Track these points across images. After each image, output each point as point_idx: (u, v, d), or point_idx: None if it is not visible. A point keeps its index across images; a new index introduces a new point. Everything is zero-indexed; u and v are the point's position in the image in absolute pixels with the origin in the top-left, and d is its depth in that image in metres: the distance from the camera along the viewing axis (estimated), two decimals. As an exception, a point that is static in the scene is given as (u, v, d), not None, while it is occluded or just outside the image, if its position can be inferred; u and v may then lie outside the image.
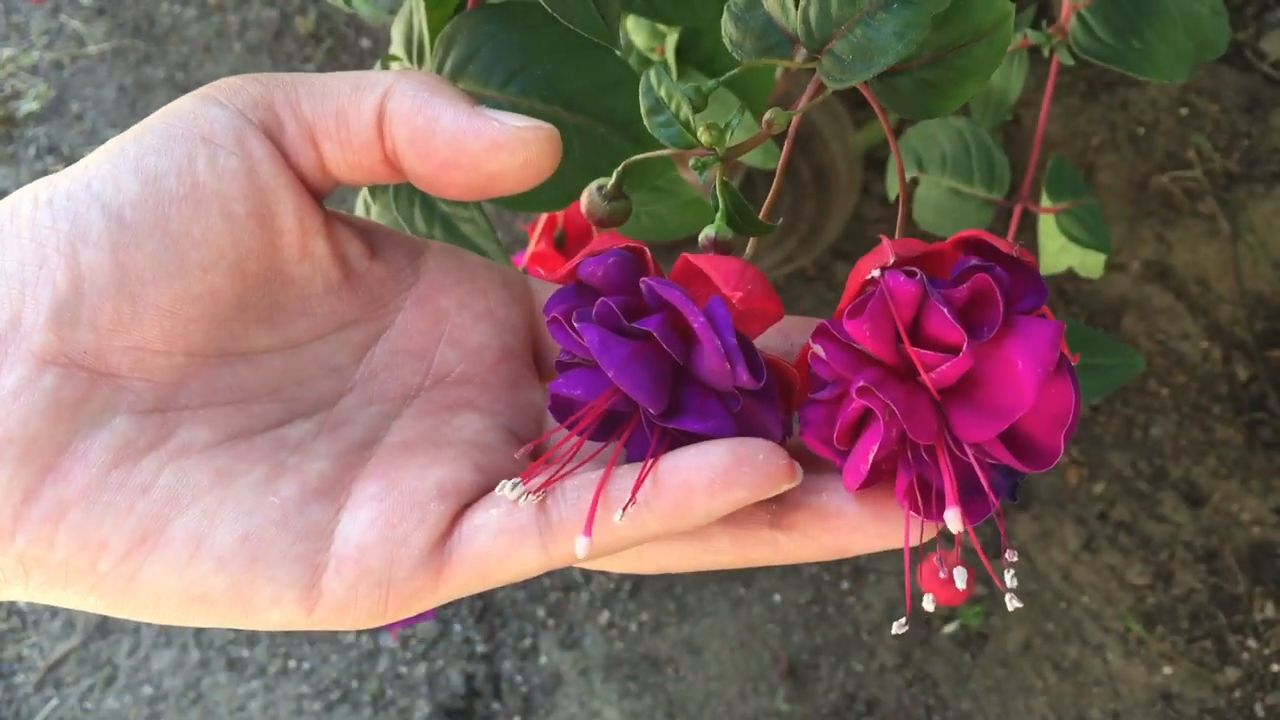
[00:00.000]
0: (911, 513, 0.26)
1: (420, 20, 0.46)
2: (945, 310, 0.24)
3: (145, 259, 0.25)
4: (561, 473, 0.26)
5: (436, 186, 0.28)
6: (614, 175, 0.27)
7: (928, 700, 1.27)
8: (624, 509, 0.24)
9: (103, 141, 1.56)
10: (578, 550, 0.25)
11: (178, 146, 0.25)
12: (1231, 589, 1.30)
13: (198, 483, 0.25)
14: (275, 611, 0.25)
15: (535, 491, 0.25)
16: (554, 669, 1.30)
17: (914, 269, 0.25)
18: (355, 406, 0.29)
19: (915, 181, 0.70)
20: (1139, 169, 1.45)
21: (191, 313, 0.26)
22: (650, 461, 0.25)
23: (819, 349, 0.26)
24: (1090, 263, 0.85)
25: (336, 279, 0.28)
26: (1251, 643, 1.28)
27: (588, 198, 0.28)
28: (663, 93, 0.26)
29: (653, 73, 0.27)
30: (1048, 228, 0.85)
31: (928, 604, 0.28)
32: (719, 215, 0.27)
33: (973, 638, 1.30)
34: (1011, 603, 0.26)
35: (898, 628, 0.26)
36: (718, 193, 0.27)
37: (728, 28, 0.29)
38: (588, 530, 0.25)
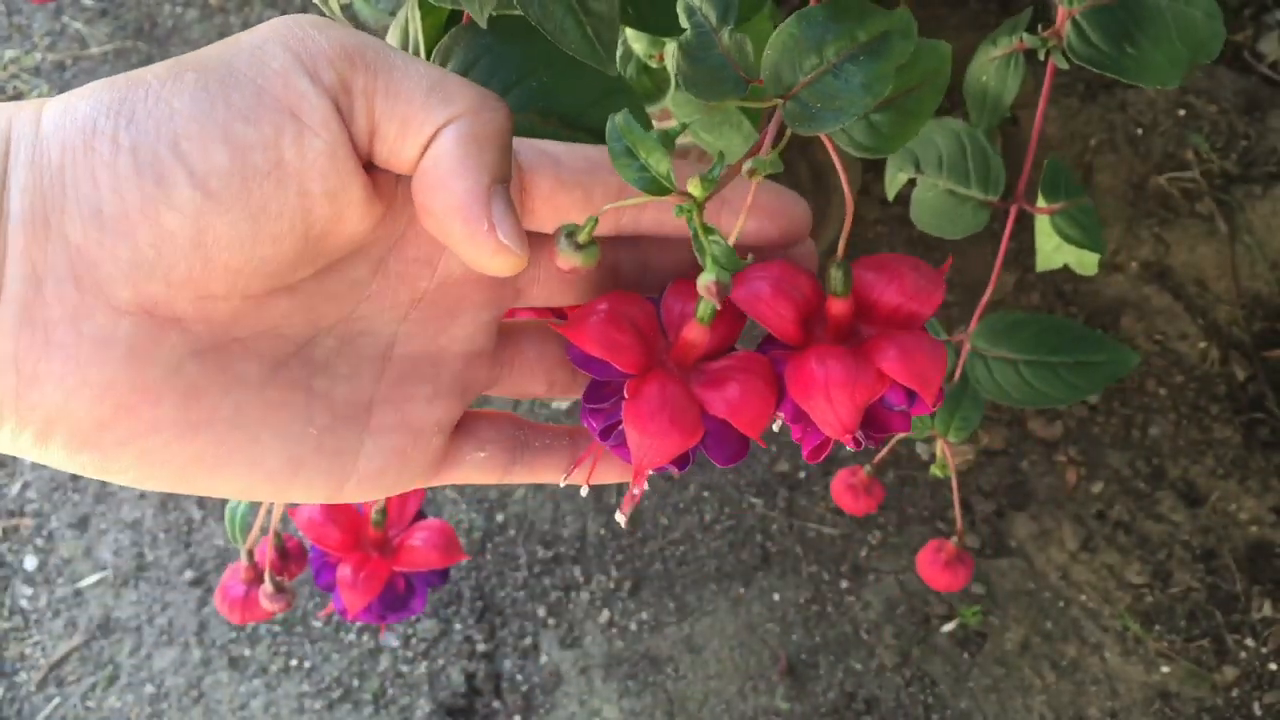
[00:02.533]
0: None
1: (416, 29, 0.46)
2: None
3: (224, 227, 0.26)
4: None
5: (419, 215, 0.28)
6: (586, 222, 0.28)
7: (926, 699, 1.27)
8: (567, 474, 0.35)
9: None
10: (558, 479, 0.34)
11: (267, 117, 0.25)
12: (1229, 588, 1.31)
13: (252, 415, 0.28)
14: (303, 498, 0.31)
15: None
16: (554, 668, 1.30)
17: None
18: (369, 314, 0.31)
19: (913, 183, 0.70)
20: (1137, 170, 1.45)
21: (256, 269, 0.27)
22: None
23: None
24: (1085, 261, 0.86)
25: (378, 215, 0.29)
26: (1249, 642, 1.28)
27: (556, 244, 0.28)
28: (630, 141, 0.27)
29: (619, 119, 0.27)
30: (1043, 227, 0.86)
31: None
32: (710, 262, 0.27)
33: (971, 637, 1.30)
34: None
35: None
36: (702, 240, 0.27)
37: (681, 65, 0.30)
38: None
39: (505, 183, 0.28)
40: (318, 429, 0.30)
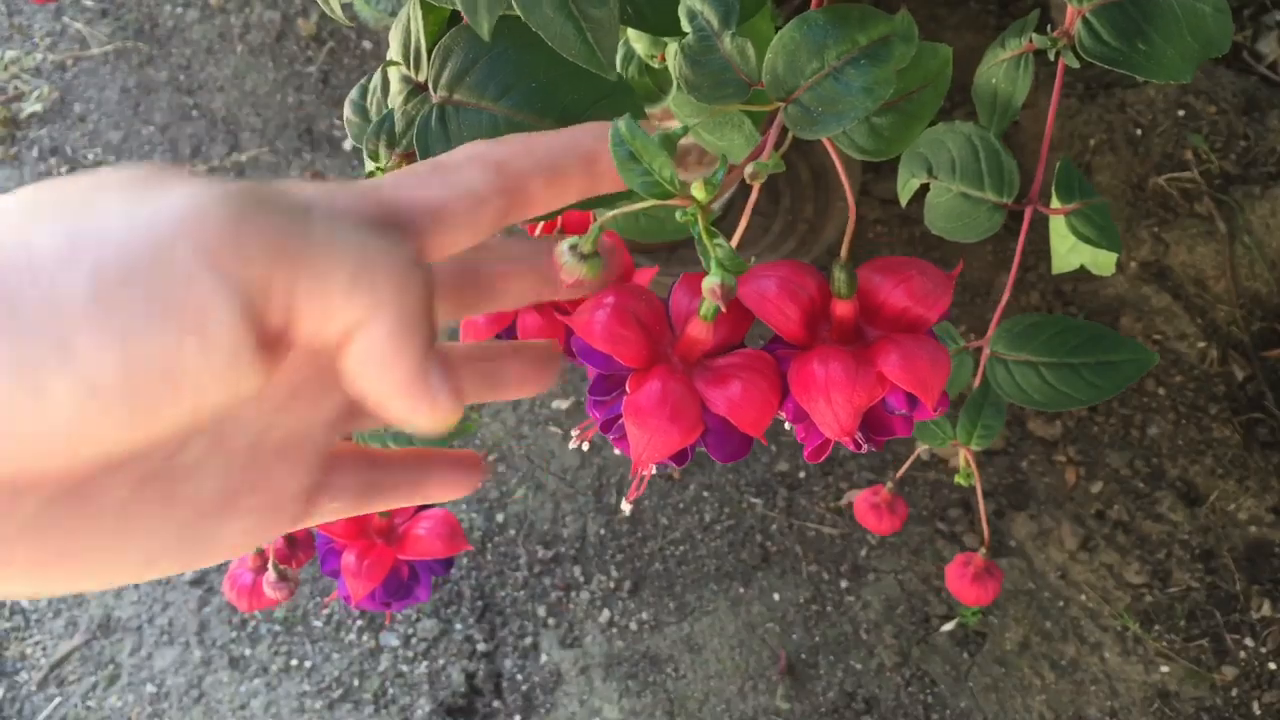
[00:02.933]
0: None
1: (418, 28, 0.46)
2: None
3: (107, 422, 0.23)
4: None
5: (350, 389, 0.28)
6: (590, 232, 0.28)
7: (926, 698, 1.28)
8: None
9: (106, 143, 1.56)
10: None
11: (169, 326, 0.23)
12: (1228, 588, 1.31)
13: (112, 535, 0.27)
14: (161, 576, 0.30)
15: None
16: (554, 667, 1.30)
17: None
18: (244, 410, 0.30)
19: (926, 187, 0.70)
20: (1136, 170, 1.45)
21: (136, 445, 0.25)
22: None
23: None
24: (1102, 261, 0.86)
25: (272, 374, 0.28)
26: (1248, 641, 1.29)
27: (558, 259, 0.28)
28: (636, 146, 0.27)
29: (623, 124, 0.27)
30: (1058, 228, 0.85)
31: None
32: (715, 265, 0.27)
33: (971, 636, 1.30)
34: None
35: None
36: (706, 243, 0.27)
37: (683, 69, 0.30)
38: None
39: (434, 343, 0.27)
40: (178, 525, 0.29)
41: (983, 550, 0.78)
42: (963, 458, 0.74)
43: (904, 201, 0.70)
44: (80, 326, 0.23)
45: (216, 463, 0.29)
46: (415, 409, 0.27)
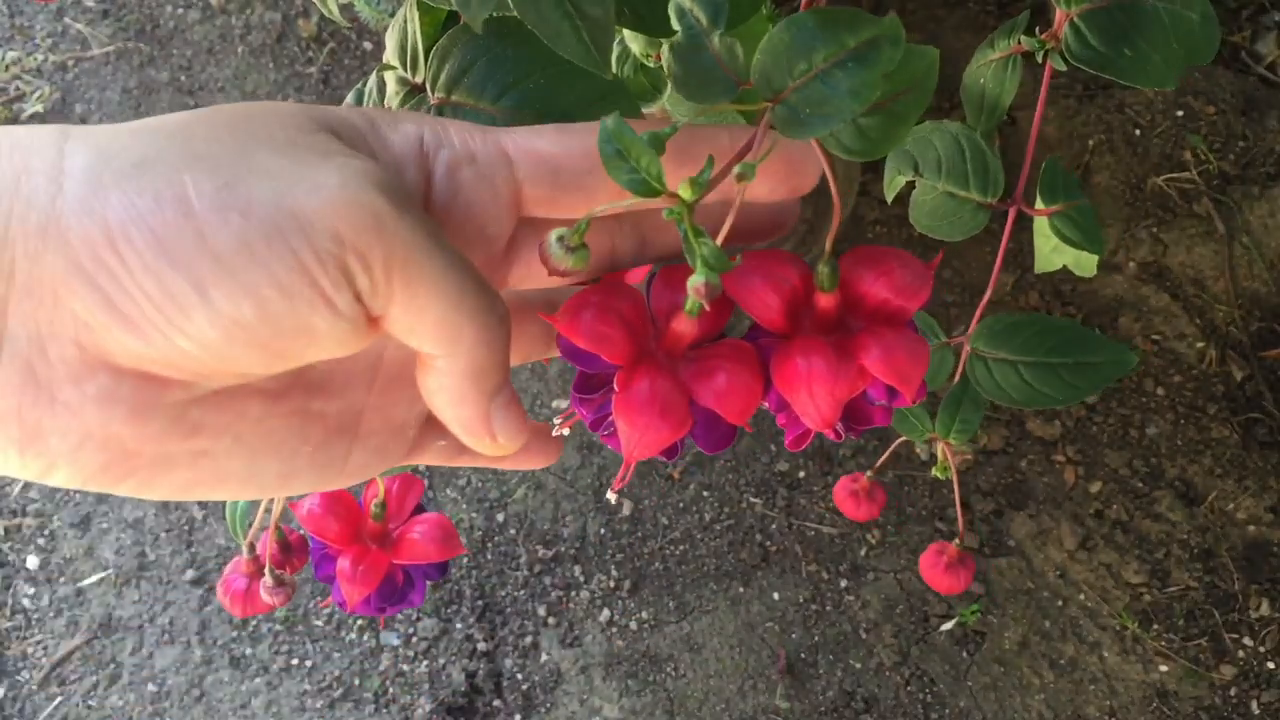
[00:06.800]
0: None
1: (414, 30, 0.46)
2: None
3: (236, 355, 0.26)
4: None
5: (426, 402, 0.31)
6: (577, 224, 0.28)
7: (925, 698, 1.28)
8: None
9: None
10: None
11: (302, 296, 0.26)
12: (1227, 587, 1.31)
13: (251, 444, 0.30)
14: (290, 494, 0.33)
15: None
16: (554, 666, 1.31)
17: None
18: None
19: (911, 184, 0.71)
20: (1135, 170, 1.46)
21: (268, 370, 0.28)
22: None
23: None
24: (1084, 262, 0.86)
25: None
26: (1247, 640, 1.29)
27: (546, 249, 0.29)
28: (623, 144, 0.27)
29: (610, 122, 0.27)
30: (1041, 228, 0.86)
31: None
32: (700, 264, 0.28)
33: (970, 635, 1.30)
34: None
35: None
36: (691, 241, 0.27)
37: (672, 66, 0.31)
38: None
39: (503, 387, 0.30)
40: (312, 446, 0.31)
41: (956, 541, 0.79)
42: (940, 450, 0.75)
43: (889, 198, 0.70)
44: (221, 277, 0.25)
45: (342, 380, 0.32)
46: (476, 442, 0.30)
